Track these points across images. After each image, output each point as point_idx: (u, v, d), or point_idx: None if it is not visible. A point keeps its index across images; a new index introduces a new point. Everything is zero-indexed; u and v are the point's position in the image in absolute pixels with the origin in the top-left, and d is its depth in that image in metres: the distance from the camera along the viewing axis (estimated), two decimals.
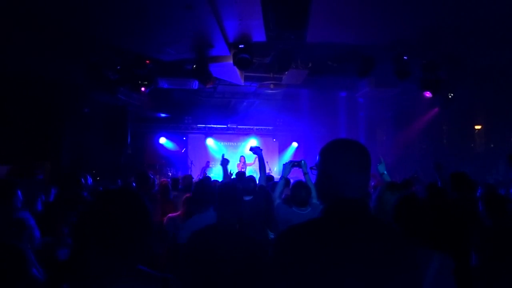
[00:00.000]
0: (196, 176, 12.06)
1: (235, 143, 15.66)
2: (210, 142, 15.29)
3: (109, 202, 1.37)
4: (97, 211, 1.34)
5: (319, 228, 1.34)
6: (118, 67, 7.85)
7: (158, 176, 11.29)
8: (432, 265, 1.93)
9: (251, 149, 5.17)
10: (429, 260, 1.95)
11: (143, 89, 8.53)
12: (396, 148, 11.31)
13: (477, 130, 10.32)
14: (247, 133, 15.31)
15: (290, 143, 15.78)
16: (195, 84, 9.39)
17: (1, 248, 1.86)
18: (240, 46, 7.20)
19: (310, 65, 8.68)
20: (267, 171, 12.87)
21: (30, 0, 5.45)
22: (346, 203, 1.36)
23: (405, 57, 7.47)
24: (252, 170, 12.80)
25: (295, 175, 13.21)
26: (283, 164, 4.20)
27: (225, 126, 14.94)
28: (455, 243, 2.74)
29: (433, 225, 2.10)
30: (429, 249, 2.01)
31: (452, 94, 8.97)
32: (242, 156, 12.71)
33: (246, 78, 9.83)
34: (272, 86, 10.19)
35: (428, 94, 8.49)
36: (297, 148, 15.65)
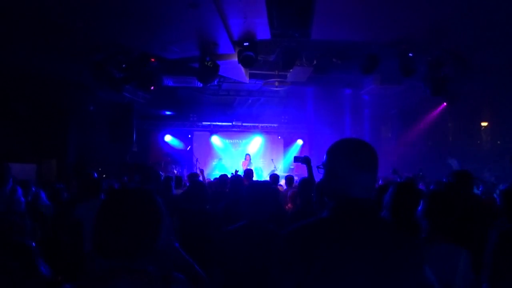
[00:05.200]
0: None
1: (240, 141, 15.67)
2: (215, 139, 15.31)
3: (122, 201, 1.36)
4: (109, 209, 1.34)
5: (326, 226, 1.36)
6: (123, 65, 7.88)
7: (164, 173, 11.34)
8: (462, 261, 2.01)
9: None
10: (459, 256, 2.01)
11: (151, 87, 8.56)
12: (401, 145, 11.27)
13: (483, 127, 10.24)
14: (252, 131, 15.32)
15: (295, 141, 15.76)
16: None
17: (10, 246, 1.89)
18: (244, 44, 7.19)
19: (314, 62, 8.66)
20: (272, 168, 12.99)
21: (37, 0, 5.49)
22: (353, 202, 1.38)
23: (410, 54, 7.42)
24: (258, 168, 12.81)
25: (301, 171, 13.14)
26: None
27: (230, 123, 14.94)
28: (474, 238, 2.77)
29: (460, 222, 2.15)
30: (458, 246, 2.07)
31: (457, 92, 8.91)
32: (247, 154, 12.74)
33: (251, 76, 9.85)
34: (277, 83, 10.19)
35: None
36: (302, 145, 15.64)
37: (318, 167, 1.55)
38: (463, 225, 2.65)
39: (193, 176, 6.96)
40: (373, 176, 1.42)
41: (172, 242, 1.79)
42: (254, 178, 6.80)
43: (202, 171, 8.26)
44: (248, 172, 6.30)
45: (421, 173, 7.67)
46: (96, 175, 4.31)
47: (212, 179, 8.24)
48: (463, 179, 3.64)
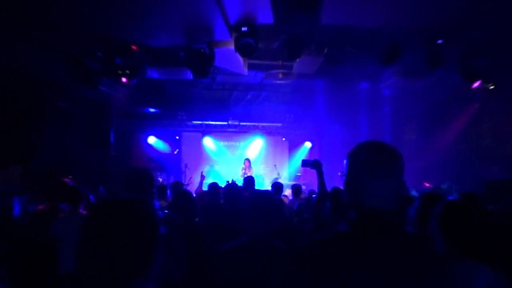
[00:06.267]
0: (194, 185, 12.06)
1: (237, 143, 15.69)
2: (207, 141, 15.33)
3: (113, 214, 1.37)
4: (97, 223, 1.35)
5: (342, 241, 1.41)
6: (100, 55, 7.89)
7: None
8: (478, 281, 1.99)
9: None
10: (473, 275, 2.00)
11: (124, 80, 8.56)
12: (428, 150, 11.23)
13: None
14: (251, 132, 15.33)
15: (303, 143, 15.79)
16: (190, 74, 9.41)
17: None
18: (243, 29, 7.20)
19: (325, 51, 8.66)
20: (275, 176, 12.99)
21: None
22: (372, 213, 1.42)
23: (438, 41, 7.45)
24: (259, 175, 12.80)
25: (309, 180, 13.05)
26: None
27: (226, 123, 14.98)
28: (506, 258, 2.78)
29: (482, 236, 2.16)
30: (475, 263, 2.07)
31: (493, 86, 8.92)
32: (247, 159, 12.71)
33: (250, 67, 9.85)
34: (281, 75, 10.22)
35: (476, 85, 8.48)
36: (311, 148, 15.66)
37: (340, 174, 1.60)
38: (484, 240, 2.67)
39: (177, 186, 6.98)
40: (395, 183, 1.45)
41: (177, 266, 1.81)
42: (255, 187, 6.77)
43: (203, 177, 8.27)
44: (248, 180, 6.27)
45: (446, 185, 7.65)
46: (71, 184, 4.33)
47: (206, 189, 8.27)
48: (494, 190, 3.66)
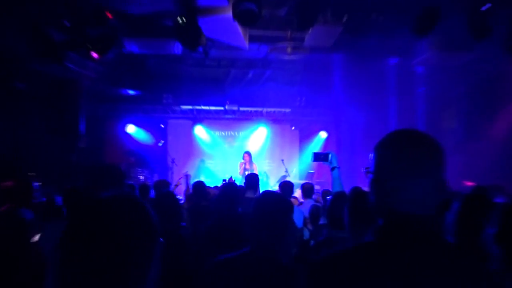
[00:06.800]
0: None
1: (235, 133, 15.70)
2: (199, 131, 15.33)
3: (103, 216, 1.35)
4: (84, 230, 1.33)
5: (366, 254, 1.40)
6: (66, 23, 7.89)
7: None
8: None
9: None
10: None
11: (95, 55, 8.56)
12: (471, 141, 11.23)
13: None
14: (253, 119, 15.34)
15: (317, 133, 15.78)
16: (178, 48, 9.40)
17: None
18: None
19: (345, 19, 8.66)
20: (283, 173, 13.02)
21: None
22: (405, 220, 1.41)
23: (483, 7, 7.44)
24: (262, 172, 12.80)
25: (325, 178, 13.06)
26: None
27: (222, 108, 14.95)
28: None
29: None
30: None
31: None
32: (246, 152, 12.70)
33: (252, 39, 9.85)
34: (289, 50, 10.21)
35: None
36: (327, 139, 15.65)
37: (366, 170, 1.58)
38: None
39: (162, 186, 7.01)
40: (435, 183, 1.43)
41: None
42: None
43: (187, 177, 8.31)
44: (251, 179, 6.27)
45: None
46: (37, 184, 4.36)
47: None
48: None
